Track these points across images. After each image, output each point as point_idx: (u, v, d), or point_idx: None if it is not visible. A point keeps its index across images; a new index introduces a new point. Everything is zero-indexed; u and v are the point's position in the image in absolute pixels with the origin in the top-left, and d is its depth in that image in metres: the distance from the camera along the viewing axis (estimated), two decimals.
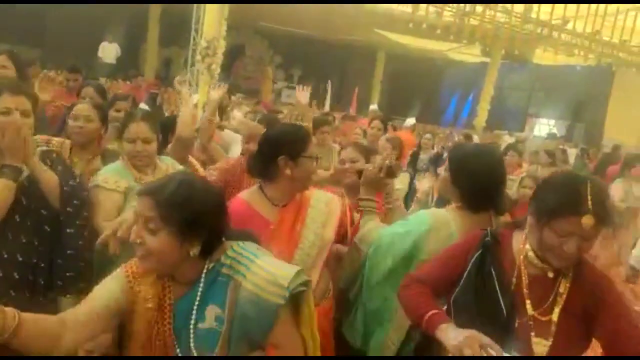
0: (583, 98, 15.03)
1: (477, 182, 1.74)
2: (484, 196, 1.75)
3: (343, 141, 5.09)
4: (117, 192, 2.04)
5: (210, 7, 8.25)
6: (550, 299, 1.38)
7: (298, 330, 1.29)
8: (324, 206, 1.86)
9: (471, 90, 15.54)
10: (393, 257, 1.78)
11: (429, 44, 13.48)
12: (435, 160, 5.94)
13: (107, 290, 1.27)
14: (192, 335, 1.22)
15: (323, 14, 11.09)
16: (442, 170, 1.92)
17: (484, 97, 13.12)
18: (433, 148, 6.67)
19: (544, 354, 1.34)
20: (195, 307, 1.23)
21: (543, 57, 12.69)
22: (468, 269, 1.48)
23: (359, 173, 2.12)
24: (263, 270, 1.23)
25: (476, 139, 8.20)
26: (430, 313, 1.42)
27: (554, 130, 16.36)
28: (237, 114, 5.35)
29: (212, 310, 1.23)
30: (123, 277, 1.29)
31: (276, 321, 1.22)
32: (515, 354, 1.33)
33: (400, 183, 3.86)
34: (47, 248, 1.84)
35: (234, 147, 3.73)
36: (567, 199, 1.31)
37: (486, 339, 1.30)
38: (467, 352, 1.29)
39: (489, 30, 10.50)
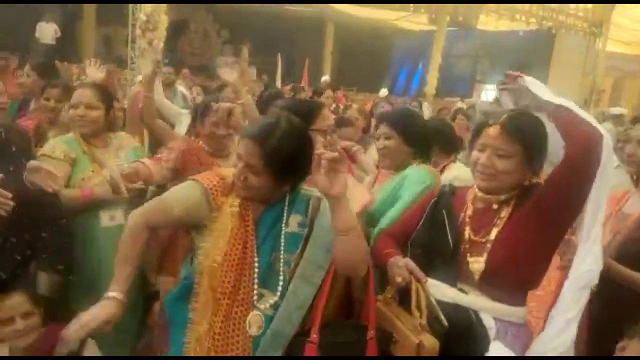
0: (526, 62, 15.48)
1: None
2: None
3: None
4: (63, 162, 2.09)
5: None
6: (491, 225, 1.49)
7: None
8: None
9: (420, 59, 15.72)
10: None
11: (377, 14, 13.49)
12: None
13: (186, 197, 1.45)
14: (282, 237, 1.42)
15: None
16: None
17: (432, 66, 13.33)
18: None
19: (480, 271, 1.45)
20: (285, 213, 1.44)
21: (487, 22, 12.96)
22: (425, 213, 1.65)
23: None
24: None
25: (427, 106, 8.33)
26: (385, 252, 1.60)
27: None
28: (181, 88, 5.20)
29: (295, 218, 1.45)
30: (205, 189, 1.44)
31: None
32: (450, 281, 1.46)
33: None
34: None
35: (179, 125, 3.62)
36: (484, 119, 1.51)
37: (412, 265, 1.48)
38: (399, 280, 1.47)
39: None
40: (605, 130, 1.42)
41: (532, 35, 14.04)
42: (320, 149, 1.34)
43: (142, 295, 2.28)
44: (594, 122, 1.41)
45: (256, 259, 1.40)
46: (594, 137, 1.37)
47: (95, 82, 2.61)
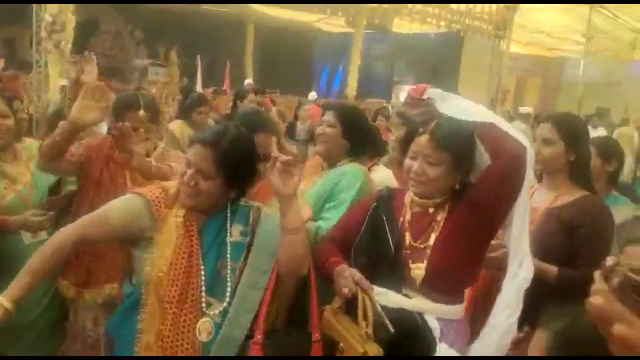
0: (439, 64, 16.33)
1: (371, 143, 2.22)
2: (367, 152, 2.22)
3: (218, 117, 5.00)
4: None
5: None
6: (430, 230, 1.56)
7: None
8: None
9: (341, 61, 16.04)
10: None
11: (297, 15, 13.57)
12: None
13: (127, 210, 1.46)
14: (228, 246, 1.47)
15: None
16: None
17: (352, 67, 13.61)
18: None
19: (421, 277, 1.51)
20: (228, 223, 1.50)
21: (401, 25, 13.48)
22: (366, 220, 1.68)
23: None
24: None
25: None
26: (330, 261, 1.62)
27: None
28: None
29: (237, 228, 1.52)
30: (148, 201, 1.47)
31: None
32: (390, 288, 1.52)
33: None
34: None
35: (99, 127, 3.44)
36: (422, 125, 1.56)
37: (358, 276, 1.51)
38: (346, 291, 1.50)
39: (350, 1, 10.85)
40: (520, 130, 1.55)
41: (442, 38, 14.83)
42: (275, 152, 1.41)
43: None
44: (518, 136, 1.48)
45: (202, 268, 1.43)
46: (521, 153, 1.44)
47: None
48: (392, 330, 1.43)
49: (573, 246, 1.87)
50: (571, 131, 1.97)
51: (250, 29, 15.90)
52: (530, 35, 14.41)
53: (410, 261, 1.53)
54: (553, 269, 1.82)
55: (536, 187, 2.10)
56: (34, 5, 7.82)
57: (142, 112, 2.17)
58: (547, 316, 0.94)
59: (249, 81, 10.27)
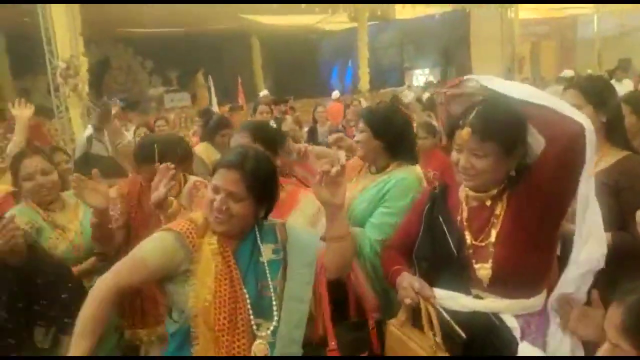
0: (447, 43, 16.11)
1: (409, 138, 2.10)
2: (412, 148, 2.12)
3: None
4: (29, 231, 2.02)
5: (59, 25, 7.58)
6: (489, 226, 1.46)
7: None
8: (313, 209, 1.90)
9: (349, 57, 16.01)
10: None
11: (297, 20, 13.61)
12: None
13: (160, 247, 1.44)
14: (266, 266, 1.48)
15: (182, 7, 10.69)
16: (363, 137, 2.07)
17: (361, 61, 13.58)
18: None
19: (488, 277, 1.43)
20: (259, 243, 1.51)
21: (404, 12, 13.37)
22: (422, 221, 1.61)
23: None
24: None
25: (364, 103, 8.48)
26: (392, 270, 1.58)
27: (431, 78, 17.44)
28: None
29: (268, 247, 1.52)
30: (178, 234, 1.46)
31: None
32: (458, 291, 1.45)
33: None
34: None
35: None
36: (462, 116, 1.46)
37: (417, 284, 1.46)
38: (407, 301, 1.47)
39: None
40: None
41: (448, 17, 14.64)
42: (324, 164, 1.44)
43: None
44: (575, 115, 1.34)
45: (245, 291, 1.44)
46: (578, 133, 1.30)
47: (37, 146, 2.55)
48: (463, 335, 1.36)
49: (621, 209, 1.81)
50: (596, 93, 1.91)
51: (255, 41, 16.05)
52: None
53: (474, 261, 1.45)
54: (606, 235, 1.76)
55: None
56: (46, 53, 8.08)
57: (157, 164, 2.16)
58: (622, 291, 0.92)
59: (264, 92, 10.32)
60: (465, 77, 1.53)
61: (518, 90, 1.40)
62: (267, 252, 1.51)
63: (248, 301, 1.43)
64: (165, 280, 1.45)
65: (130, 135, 4.56)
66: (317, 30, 16.49)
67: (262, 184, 1.47)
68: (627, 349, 0.84)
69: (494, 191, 1.47)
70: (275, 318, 1.44)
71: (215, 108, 8.27)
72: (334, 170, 1.40)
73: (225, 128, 3.91)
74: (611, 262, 1.72)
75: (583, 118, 1.34)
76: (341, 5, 10.98)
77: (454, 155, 1.49)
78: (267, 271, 1.48)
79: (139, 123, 5.15)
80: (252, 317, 1.42)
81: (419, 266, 1.58)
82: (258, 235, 1.53)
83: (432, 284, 1.50)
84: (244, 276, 1.46)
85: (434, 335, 1.38)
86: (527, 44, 15.35)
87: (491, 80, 1.45)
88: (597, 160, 1.89)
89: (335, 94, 9.82)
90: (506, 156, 1.42)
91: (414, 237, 1.62)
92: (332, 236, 1.48)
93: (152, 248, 1.45)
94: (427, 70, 17.89)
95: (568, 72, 8.64)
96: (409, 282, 1.47)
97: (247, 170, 1.45)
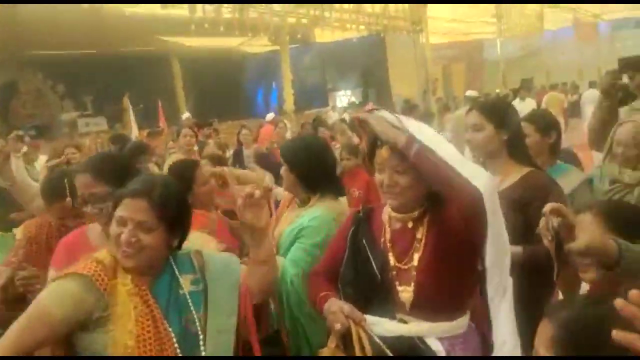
0: (367, 66, 16.74)
1: (326, 171, 2.00)
2: (333, 180, 2.04)
3: (158, 160, 4.84)
4: None
5: None
6: (412, 249, 1.48)
7: None
8: None
9: (273, 79, 16.11)
10: None
11: (219, 42, 13.52)
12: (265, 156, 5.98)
13: (67, 295, 1.29)
14: (187, 298, 1.40)
15: (94, 29, 10.25)
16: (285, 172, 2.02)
17: (285, 83, 13.74)
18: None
19: (410, 301, 1.44)
20: (177, 276, 1.43)
21: (323, 35, 13.75)
22: (347, 246, 1.60)
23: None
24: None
25: (288, 124, 8.52)
26: (319, 297, 1.55)
27: (353, 99, 17.97)
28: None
29: (187, 278, 1.44)
30: (86, 277, 1.32)
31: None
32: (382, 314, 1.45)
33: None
34: None
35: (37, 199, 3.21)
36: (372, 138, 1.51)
37: (347, 308, 1.44)
38: (337, 327, 1.42)
39: (269, 20, 10.95)
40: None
41: (365, 41, 15.26)
42: (247, 188, 1.41)
43: None
44: (474, 178, 1.32)
45: (169, 330, 1.36)
46: (475, 200, 1.30)
47: None
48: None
49: (528, 224, 1.91)
50: (496, 113, 2.00)
51: (175, 63, 15.69)
52: (446, 25, 15.07)
53: (397, 283, 1.46)
54: (517, 249, 1.78)
55: None
56: None
57: (68, 200, 1.99)
58: (553, 306, 0.94)
59: (186, 115, 10.07)
60: (376, 110, 1.55)
61: (425, 137, 1.41)
62: (186, 283, 1.43)
63: (174, 340, 1.36)
64: (77, 331, 1.31)
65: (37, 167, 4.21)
66: (239, 53, 16.48)
67: (173, 211, 1.40)
68: None
69: (416, 213, 1.49)
70: (203, 352, 1.38)
71: (134, 132, 7.95)
72: (257, 193, 1.38)
73: (141, 154, 3.72)
74: (526, 276, 1.85)
75: (481, 183, 1.32)
76: (261, 29, 11.07)
77: (377, 176, 1.50)
78: (190, 304, 1.41)
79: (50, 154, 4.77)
80: (179, 353, 1.35)
81: (344, 291, 1.56)
82: (175, 267, 1.45)
83: (358, 309, 1.47)
84: (166, 313, 1.38)
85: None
86: (438, 66, 16.30)
87: (406, 120, 1.48)
88: (502, 178, 2.00)
89: (270, 115, 9.78)
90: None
91: (340, 262, 1.60)
92: (256, 259, 1.46)
93: (55, 297, 1.28)
94: (349, 92, 18.42)
95: (472, 93, 9.29)
96: (338, 307, 1.45)
97: (156, 197, 1.36)
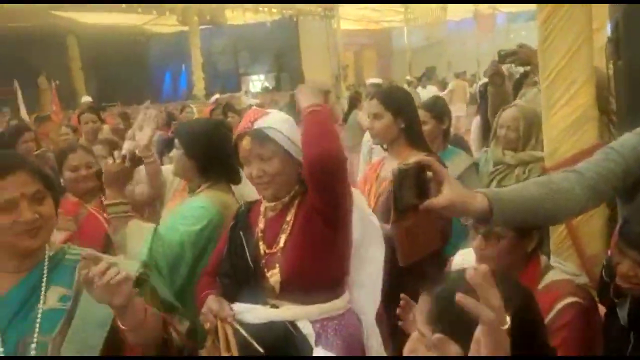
0: (280, 50, 16.64)
1: (224, 157, 1.81)
2: (228, 169, 1.86)
3: (52, 145, 4.50)
4: None
5: None
6: (280, 233, 1.49)
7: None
8: None
9: (182, 61, 15.47)
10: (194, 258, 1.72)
11: (121, 19, 12.70)
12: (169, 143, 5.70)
13: None
14: (39, 317, 1.17)
15: None
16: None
17: (195, 66, 13.26)
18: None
19: (278, 283, 1.44)
20: (42, 288, 1.21)
21: (234, 17, 13.40)
22: (227, 239, 1.58)
23: (98, 176, 1.96)
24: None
25: (195, 110, 8.17)
26: (202, 295, 1.52)
27: (266, 84, 17.81)
28: None
29: (55, 292, 1.21)
30: None
31: None
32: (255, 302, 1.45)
33: None
34: None
35: None
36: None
37: (215, 306, 1.44)
38: (207, 325, 1.44)
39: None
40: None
41: (278, 25, 15.12)
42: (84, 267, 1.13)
43: None
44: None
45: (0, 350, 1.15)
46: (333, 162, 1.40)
47: None
48: (260, 350, 1.37)
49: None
50: (394, 102, 2.07)
51: (72, 40, 14.47)
52: (357, 12, 15.34)
53: (266, 270, 1.47)
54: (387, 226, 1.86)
55: (385, 159, 2.24)
56: None
57: None
58: (430, 281, 0.95)
59: (86, 98, 9.35)
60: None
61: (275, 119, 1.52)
62: (51, 297, 1.20)
63: None
64: None
65: None
66: (145, 32, 15.61)
67: (51, 176, 1.28)
68: (429, 336, 0.87)
69: (286, 199, 1.52)
70: None
71: (23, 116, 7.25)
72: (111, 273, 1.08)
73: (24, 132, 3.49)
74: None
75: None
76: (167, 7, 10.54)
77: (246, 170, 1.51)
78: (38, 323, 1.16)
79: None
80: None
81: (221, 282, 1.56)
82: (45, 272, 1.22)
83: (233, 299, 1.49)
84: (4, 329, 1.16)
85: (232, 355, 1.38)
86: (350, 53, 16.62)
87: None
88: (399, 162, 2.09)
89: (215, 97, 9.18)
90: (289, 155, 1.48)
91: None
92: (127, 330, 1.17)
93: None
94: (262, 76, 18.22)
95: (375, 80, 9.59)
96: (208, 307, 1.46)
97: (30, 165, 1.22)
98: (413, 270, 1.84)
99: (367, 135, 3.64)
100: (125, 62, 14.94)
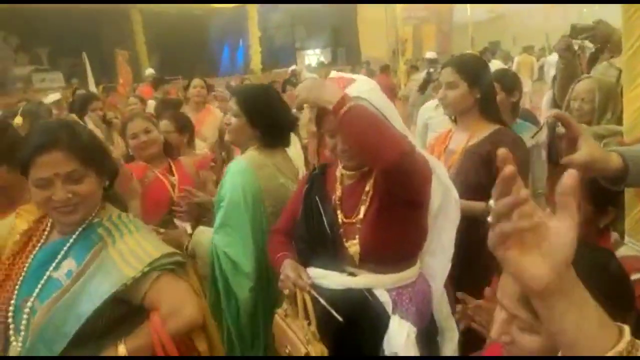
0: (337, 24, 16.44)
1: (275, 119, 1.87)
2: (281, 131, 1.91)
3: (120, 115, 4.71)
4: None
5: None
6: (359, 203, 1.47)
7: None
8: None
9: (240, 36, 15.62)
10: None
11: None
12: None
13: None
14: (42, 282, 1.22)
15: None
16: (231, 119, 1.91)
17: (253, 40, 13.36)
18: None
19: (357, 253, 1.44)
20: (59, 257, 1.24)
21: None
22: (302, 202, 1.59)
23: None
24: (136, 242, 1.26)
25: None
26: (276, 258, 1.53)
27: (322, 59, 17.72)
28: None
29: (68, 264, 1.24)
30: (12, 216, 1.33)
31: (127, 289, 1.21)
32: (332, 271, 1.46)
33: None
34: None
35: None
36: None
37: (293, 275, 1.44)
38: (286, 292, 1.46)
39: None
40: None
41: None
42: None
43: None
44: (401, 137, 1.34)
45: (16, 292, 1.24)
46: (396, 160, 1.27)
47: None
48: (340, 319, 1.37)
49: (494, 179, 1.95)
50: (471, 70, 1.99)
51: (136, 16, 14.94)
52: None
53: (345, 239, 1.46)
54: (481, 204, 1.84)
55: (453, 131, 2.18)
56: None
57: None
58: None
59: (150, 71, 9.68)
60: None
61: (370, 92, 1.43)
62: (63, 267, 1.24)
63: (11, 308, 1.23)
64: None
65: None
66: (204, 7, 15.83)
67: (97, 153, 1.28)
68: (525, 317, 0.85)
69: (366, 169, 1.50)
70: (20, 340, 1.20)
71: (92, 87, 7.62)
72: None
73: (94, 101, 3.66)
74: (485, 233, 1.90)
75: (407, 141, 1.34)
76: None
77: (329, 140, 1.48)
78: (38, 288, 1.22)
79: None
80: (10, 320, 1.22)
81: (297, 247, 1.57)
82: (71, 240, 1.26)
83: (308, 263, 1.50)
84: (27, 278, 1.24)
85: (309, 324, 1.38)
86: (409, 27, 16.15)
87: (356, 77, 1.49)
88: (471, 134, 2.04)
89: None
90: None
91: (296, 218, 1.61)
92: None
93: None
94: (318, 51, 18.11)
95: (431, 54, 9.28)
96: (286, 274, 1.47)
97: (76, 144, 1.22)
98: (483, 246, 1.83)
99: (422, 109, 3.58)
100: (186, 37, 15.27)
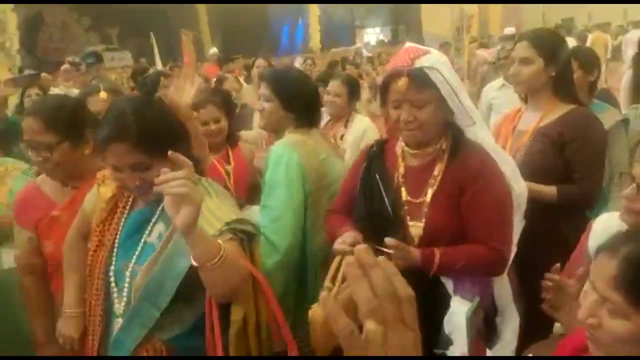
0: (398, 3, 16.01)
1: (307, 100, 1.85)
2: (313, 111, 1.90)
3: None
4: None
5: None
6: (427, 185, 1.44)
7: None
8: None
9: (299, 15, 15.61)
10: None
11: None
12: None
13: (90, 197, 1.44)
14: (139, 247, 1.30)
15: None
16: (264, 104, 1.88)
17: (312, 19, 13.33)
18: None
19: (419, 235, 1.41)
20: (152, 222, 1.31)
21: None
22: (359, 181, 1.55)
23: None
24: (216, 205, 1.30)
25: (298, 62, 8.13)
26: (340, 231, 1.49)
27: (382, 37, 17.38)
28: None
29: (158, 228, 1.31)
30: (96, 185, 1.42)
31: None
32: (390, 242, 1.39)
33: None
34: None
35: None
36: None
37: (351, 238, 1.40)
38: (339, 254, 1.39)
39: None
40: None
41: None
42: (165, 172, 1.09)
43: None
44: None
45: (113, 260, 1.33)
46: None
47: None
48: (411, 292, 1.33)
49: (566, 162, 1.85)
50: (548, 46, 1.86)
51: None
52: None
53: (408, 218, 1.43)
54: (551, 189, 1.77)
55: (523, 110, 2.07)
56: None
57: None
58: (614, 241, 0.87)
59: (213, 50, 9.89)
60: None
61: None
62: (154, 232, 1.31)
63: (112, 274, 1.33)
64: None
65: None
66: None
67: (159, 140, 1.23)
68: (618, 301, 0.83)
69: (430, 149, 1.46)
70: (124, 301, 1.30)
71: (158, 66, 7.89)
72: (172, 189, 1.05)
73: (162, 79, 3.77)
74: (558, 215, 1.81)
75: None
76: None
77: (393, 112, 1.43)
78: (137, 253, 1.30)
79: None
80: (113, 284, 1.33)
81: (356, 226, 1.51)
82: (160, 207, 1.28)
83: (367, 243, 1.46)
84: (120, 245, 1.33)
85: (332, 288, 1.26)
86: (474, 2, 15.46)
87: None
88: (542, 114, 1.92)
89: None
90: (443, 102, 1.40)
91: (354, 198, 1.57)
92: (197, 263, 1.14)
93: (87, 199, 1.47)
94: (377, 29, 17.78)
95: (509, 30, 8.73)
96: (342, 239, 1.42)
97: (133, 138, 1.20)
98: (549, 231, 1.75)
99: (486, 89, 3.41)
100: (246, 17, 15.46)
